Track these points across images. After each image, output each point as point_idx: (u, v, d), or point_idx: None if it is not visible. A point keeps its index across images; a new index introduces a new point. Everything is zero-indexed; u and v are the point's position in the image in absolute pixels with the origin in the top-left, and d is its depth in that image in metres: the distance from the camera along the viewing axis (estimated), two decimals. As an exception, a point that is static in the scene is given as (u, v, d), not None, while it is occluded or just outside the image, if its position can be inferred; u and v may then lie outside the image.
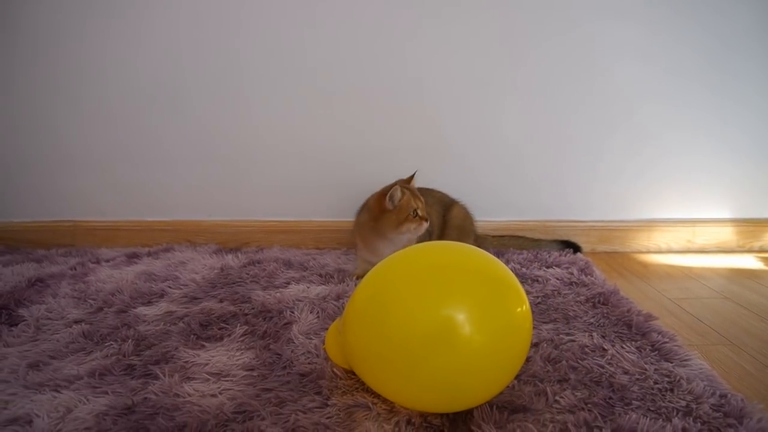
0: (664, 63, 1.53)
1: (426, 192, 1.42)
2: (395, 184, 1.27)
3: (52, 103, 1.62)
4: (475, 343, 0.65)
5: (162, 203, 1.68)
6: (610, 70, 1.54)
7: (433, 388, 0.68)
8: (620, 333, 0.97)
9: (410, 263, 0.74)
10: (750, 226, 1.62)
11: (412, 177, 1.34)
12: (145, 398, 0.78)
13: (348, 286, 1.25)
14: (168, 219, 1.68)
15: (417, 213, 1.24)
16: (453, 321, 0.65)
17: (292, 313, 1.08)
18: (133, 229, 1.68)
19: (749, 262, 1.52)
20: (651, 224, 1.63)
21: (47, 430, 0.70)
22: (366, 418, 0.72)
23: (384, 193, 1.25)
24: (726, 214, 1.63)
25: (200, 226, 1.67)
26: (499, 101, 1.57)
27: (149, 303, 1.17)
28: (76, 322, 1.07)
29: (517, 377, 0.81)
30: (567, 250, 1.52)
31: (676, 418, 0.70)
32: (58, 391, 0.79)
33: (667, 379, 0.80)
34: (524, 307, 0.70)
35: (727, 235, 1.62)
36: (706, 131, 1.58)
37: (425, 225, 1.25)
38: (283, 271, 1.37)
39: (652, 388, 0.77)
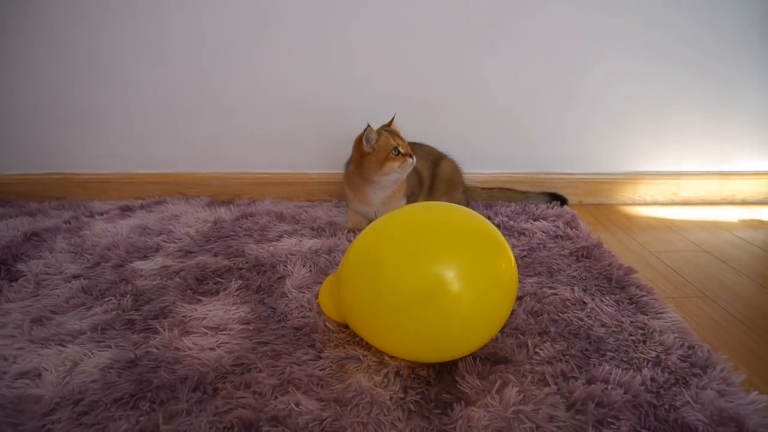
0: (649, 17, 1.52)
1: (415, 146, 1.43)
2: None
3: (39, 55, 1.59)
4: (463, 300, 0.69)
5: (153, 156, 1.68)
6: (601, 24, 1.52)
7: (422, 341, 0.72)
8: (601, 286, 1.01)
9: (402, 224, 0.77)
10: (733, 178, 1.66)
11: (391, 120, 1.34)
12: (147, 352, 0.82)
13: (339, 239, 1.28)
14: (159, 171, 1.69)
15: (399, 151, 1.24)
16: (442, 278, 0.69)
17: (285, 267, 1.12)
18: (125, 182, 1.69)
19: (730, 214, 1.57)
20: (637, 177, 1.66)
21: (56, 383, 0.74)
22: (357, 370, 0.76)
23: (360, 137, 1.26)
24: (711, 167, 1.66)
25: (192, 179, 1.68)
26: (490, 54, 1.56)
27: (145, 257, 1.20)
28: (75, 277, 1.10)
29: (501, 330, 0.86)
30: (554, 202, 1.55)
31: (646, 368, 0.75)
32: (63, 346, 0.83)
33: (641, 331, 0.85)
34: (510, 265, 0.74)
35: (711, 188, 1.66)
36: (692, 86, 1.58)
37: (410, 161, 1.24)
38: (275, 224, 1.40)
39: (627, 340, 0.83)
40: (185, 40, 1.56)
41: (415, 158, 1.26)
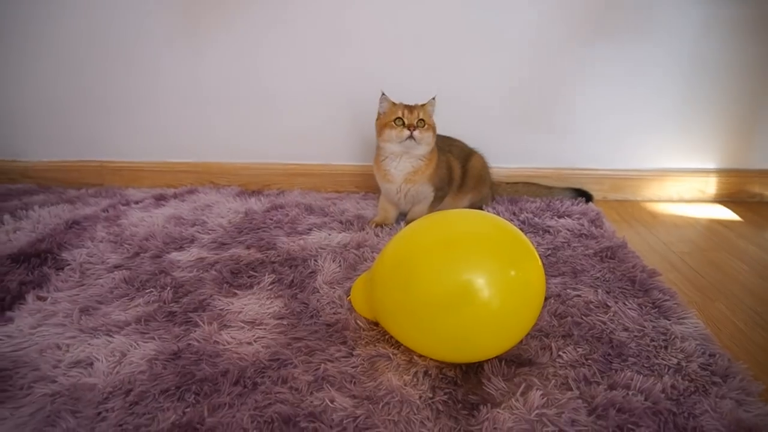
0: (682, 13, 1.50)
1: (448, 141, 1.45)
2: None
3: (77, 44, 1.64)
4: (492, 306, 0.73)
5: (184, 145, 1.73)
6: (628, 17, 1.51)
7: (451, 343, 0.77)
8: (624, 289, 1.03)
9: (435, 230, 0.81)
10: (764, 176, 1.64)
11: (429, 101, 1.34)
12: (189, 344, 0.87)
13: (367, 234, 1.32)
14: (190, 161, 1.74)
15: (403, 121, 1.27)
16: (473, 285, 0.73)
17: (316, 262, 1.16)
18: (158, 171, 1.75)
19: (760, 213, 1.56)
20: (664, 173, 1.66)
21: (107, 372, 0.79)
22: (387, 368, 0.80)
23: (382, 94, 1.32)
24: (738, 165, 1.65)
25: (222, 168, 1.72)
26: (513, 48, 1.57)
27: (181, 248, 1.25)
28: (116, 267, 1.15)
29: (525, 332, 0.89)
30: (580, 198, 1.56)
31: (667, 375, 0.78)
32: (110, 336, 0.88)
33: (663, 336, 0.87)
34: (538, 275, 0.77)
35: (740, 185, 1.65)
36: (721, 83, 1.57)
37: (406, 132, 1.26)
38: (305, 217, 1.44)
39: (648, 346, 0.85)
40: (217, 31, 1.60)
41: (416, 133, 1.27)
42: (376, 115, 1.35)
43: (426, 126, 1.29)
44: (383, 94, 1.30)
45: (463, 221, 0.83)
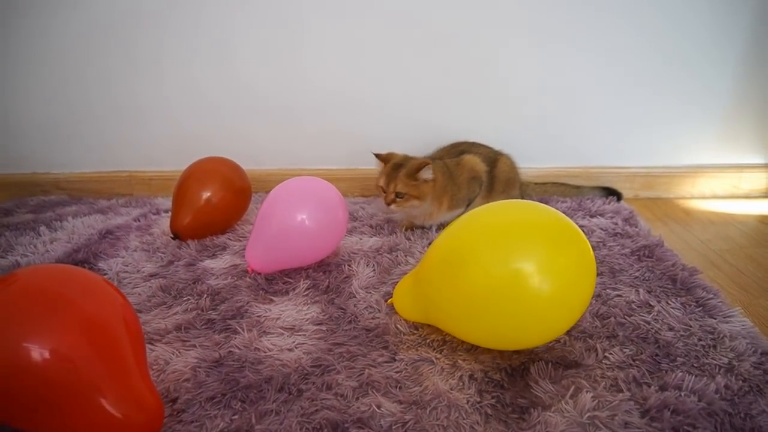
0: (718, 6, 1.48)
1: (471, 146, 1.45)
2: (444, 148, 1.39)
3: (104, 56, 1.66)
4: (543, 293, 0.73)
5: (210, 152, 1.73)
6: (656, 10, 1.49)
7: (504, 331, 0.78)
8: (665, 288, 1.02)
9: (485, 220, 0.82)
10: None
11: (424, 164, 1.24)
12: (230, 352, 0.87)
13: (398, 237, 1.32)
14: (218, 168, 1.75)
15: (383, 190, 1.29)
16: (523, 272, 0.73)
17: (350, 266, 1.16)
18: (186, 179, 1.76)
19: (795, 208, 1.53)
20: (696, 170, 1.63)
21: (154, 380, 0.79)
22: (431, 373, 0.80)
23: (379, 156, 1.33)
24: (774, 159, 1.62)
25: (249, 175, 1.72)
26: (541, 45, 1.55)
27: (213, 256, 1.26)
28: (152, 275, 1.16)
29: (568, 333, 0.88)
30: (611, 197, 1.54)
31: (719, 375, 0.76)
32: (152, 344, 0.89)
33: (710, 336, 0.86)
34: (588, 258, 0.77)
35: (774, 180, 1.62)
36: (751, 74, 1.54)
37: (385, 207, 1.29)
38: (333, 222, 1.44)
39: (696, 345, 0.83)
40: (246, 40, 1.61)
41: (393, 207, 1.27)
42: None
43: (406, 197, 1.26)
44: (379, 155, 1.32)
45: (512, 209, 0.83)
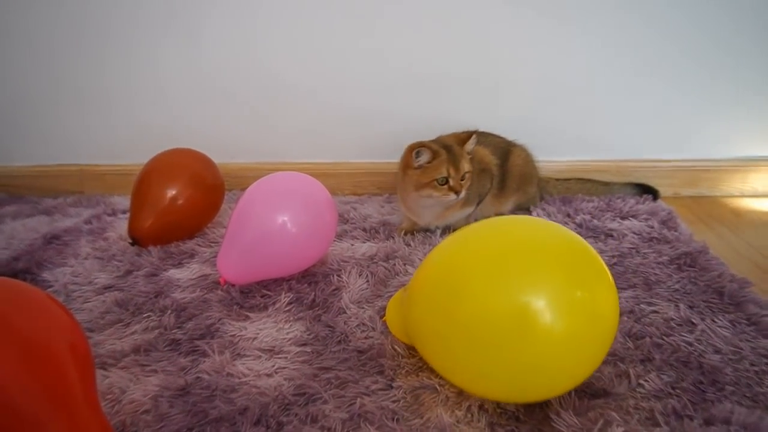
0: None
1: (481, 136, 1.43)
2: (453, 137, 1.31)
3: (50, 34, 1.66)
4: (555, 333, 0.69)
5: (178, 144, 1.73)
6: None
7: (507, 379, 0.74)
8: (710, 303, 1.01)
9: (486, 240, 0.79)
10: None
11: (469, 136, 1.29)
12: (198, 378, 0.87)
13: (396, 243, 1.31)
14: (185, 162, 1.74)
15: (448, 181, 1.24)
16: (531, 308, 0.69)
17: (340, 277, 1.15)
18: (147, 174, 1.75)
19: None
20: (747, 163, 1.63)
21: (107, 413, 0.79)
22: (435, 403, 0.80)
23: (413, 147, 1.26)
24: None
25: (222, 170, 1.72)
26: (564, 23, 1.55)
27: (179, 264, 1.25)
28: (106, 288, 1.16)
29: (596, 356, 0.87)
30: (645, 195, 1.54)
31: (775, 406, 0.76)
32: (105, 369, 0.89)
33: (765, 360, 0.85)
34: (610, 291, 0.74)
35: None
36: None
37: (452, 197, 1.25)
38: (321, 225, 1.44)
39: (748, 371, 0.83)
40: (216, 15, 1.60)
41: (463, 193, 1.26)
42: (404, 157, 1.31)
43: (468, 176, 1.27)
44: (425, 145, 1.24)
45: (518, 229, 0.80)
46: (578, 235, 0.79)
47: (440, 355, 0.79)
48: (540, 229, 0.79)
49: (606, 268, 0.76)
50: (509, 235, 0.79)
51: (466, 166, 1.26)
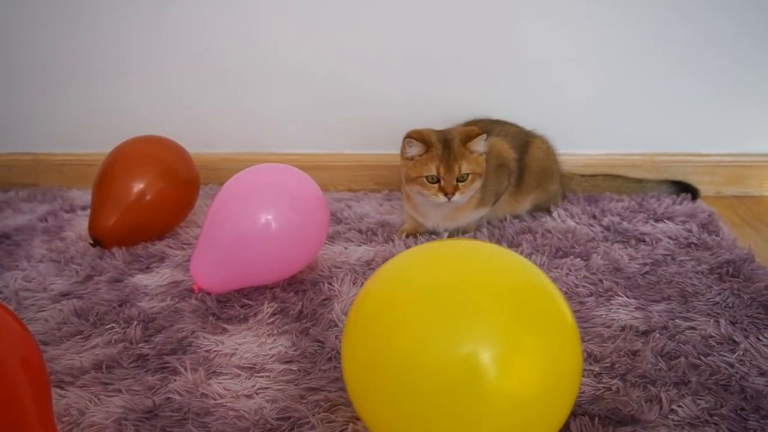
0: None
1: (496, 125, 1.45)
2: (467, 126, 1.34)
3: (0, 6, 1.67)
4: (504, 391, 0.65)
5: (144, 131, 1.73)
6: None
7: None
8: (755, 318, 1.02)
9: (423, 273, 0.74)
10: None
11: (478, 133, 1.29)
12: (168, 399, 0.87)
13: (396, 247, 1.32)
14: (155, 151, 1.75)
15: (437, 180, 1.27)
16: (475, 360, 0.64)
17: (331, 285, 1.16)
18: (111, 165, 1.76)
19: None
20: (801, 158, 1.64)
21: (62, 437, 0.80)
22: (438, 429, 0.80)
23: (408, 136, 1.29)
24: None
25: (199, 161, 1.73)
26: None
27: (147, 269, 1.26)
28: (64, 295, 1.17)
29: (623, 377, 0.88)
30: (683, 195, 1.55)
31: (827, 436, 0.77)
32: (62, 389, 0.89)
33: (815, 383, 0.86)
34: (571, 338, 0.70)
35: None
36: None
37: (441, 198, 1.27)
38: (310, 225, 1.45)
39: (797, 396, 0.84)
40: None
41: (456, 197, 1.27)
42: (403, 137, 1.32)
43: (471, 177, 1.28)
44: (412, 136, 1.27)
45: (463, 261, 0.74)
46: (536, 267, 0.75)
47: (368, 406, 0.73)
48: (488, 257, 0.75)
49: (565, 304, 0.72)
50: (451, 267, 0.73)
51: (465, 166, 1.27)
